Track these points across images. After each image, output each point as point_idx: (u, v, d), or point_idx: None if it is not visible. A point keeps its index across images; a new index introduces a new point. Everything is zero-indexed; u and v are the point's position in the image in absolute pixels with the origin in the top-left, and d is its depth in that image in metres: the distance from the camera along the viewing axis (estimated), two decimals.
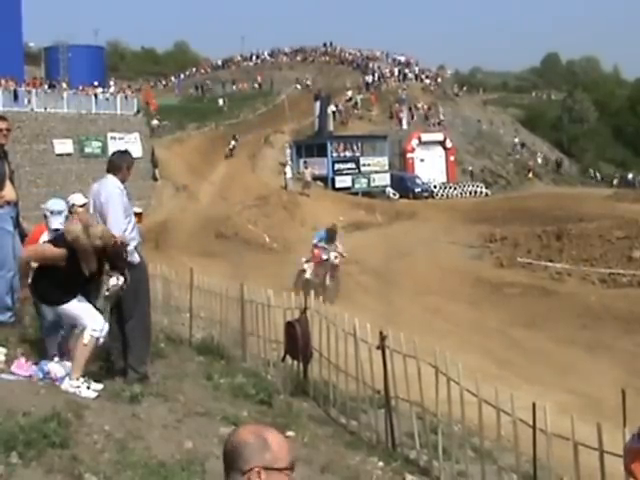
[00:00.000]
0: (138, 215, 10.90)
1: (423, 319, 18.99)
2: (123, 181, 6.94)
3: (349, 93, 62.69)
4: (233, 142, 49.96)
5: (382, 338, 6.78)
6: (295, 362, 8.41)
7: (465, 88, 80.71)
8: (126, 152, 7.51)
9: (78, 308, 6.15)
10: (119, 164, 6.99)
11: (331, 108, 53.78)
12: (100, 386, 6.14)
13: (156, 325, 10.36)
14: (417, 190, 48.27)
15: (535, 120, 78.04)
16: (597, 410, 10.32)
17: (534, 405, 5.44)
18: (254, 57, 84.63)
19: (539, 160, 64.12)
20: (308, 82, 70.19)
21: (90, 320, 6.07)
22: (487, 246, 29.63)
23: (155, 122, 51.09)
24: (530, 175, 59.19)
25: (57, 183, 35.82)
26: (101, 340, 6.11)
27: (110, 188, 6.75)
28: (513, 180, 58.20)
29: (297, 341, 8.07)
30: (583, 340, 17.20)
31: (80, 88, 42.15)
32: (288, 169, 43.51)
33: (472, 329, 18.23)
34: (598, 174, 65.67)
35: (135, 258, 6.72)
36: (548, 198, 41.64)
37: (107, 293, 6.32)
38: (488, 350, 16.05)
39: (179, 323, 11.24)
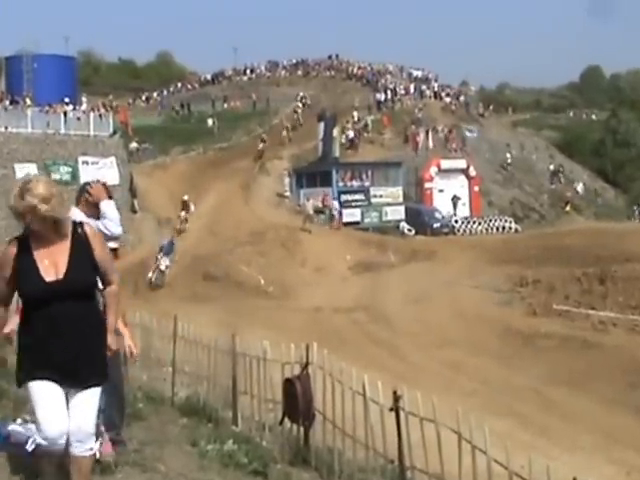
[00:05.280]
0: (113, 251, 10.92)
1: (443, 376, 18.95)
2: (95, 214, 7.04)
3: (355, 113, 63.02)
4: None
5: (396, 398, 6.77)
6: (295, 426, 8.39)
7: (491, 107, 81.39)
8: (96, 181, 7.60)
9: None
10: (78, 195, 7.15)
11: (344, 136, 54.80)
12: None
13: (133, 381, 10.36)
14: (436, 225, 48.37)
15: (574, 144, 78.31)
16: None
17: (575, 479, 5.42)
18: (248, 71, 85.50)
19: (578, 190, 64.23)
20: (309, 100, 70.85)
21: None
22: (517, 291, 29.62)
23: (134, 145, 51.35)
24: (568, 208, 59.31)
25: None
26: None
27: None
28: (548, 214, 58.35)
29: (297, 401, 8.05)
30: (632, 402, 17.11)
31: (47, 105, 42.44)
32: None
33: (500, 388, 18.18)
34: None
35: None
36: (589, 235, 41.65)
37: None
38: (520, 413, 15.99)
39: (160, 379, 11.22)
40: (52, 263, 4.93)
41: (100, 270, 5.11)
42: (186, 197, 41.90)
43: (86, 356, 4.99)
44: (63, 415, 4.93)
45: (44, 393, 4.93)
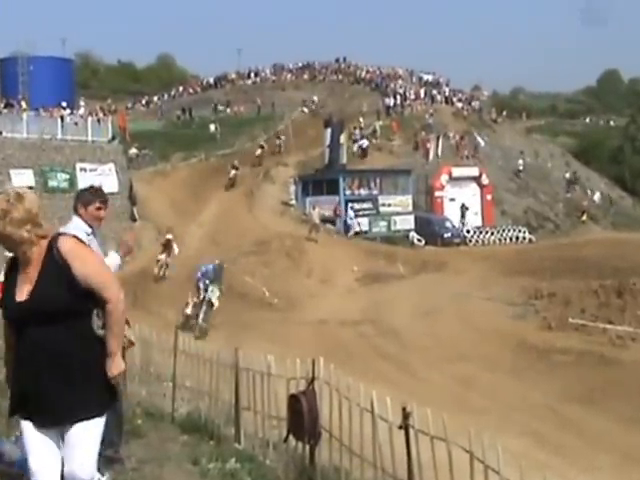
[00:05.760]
0: None
1: (454, 392, 18.92)
2: (93, 223, 7.07)
3: (361, 119, 63.03)
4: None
5: (405, 416, 6.76)
6: (300, 444, 8.38)
7: (505, 113, 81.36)
8: (92, 188, 7.62)
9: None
10: (75, 203, 7.17)
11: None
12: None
13: (132, 397, 10.36)
14: (447, 235, 48.35)
15: (591, 151, 78.34)
16: None
17: None
18: (252, 75, 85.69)
19: (595, 199, 64.19)
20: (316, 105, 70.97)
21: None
22: (532, 304, 29.58)
23: (134, 151, 51.50)
24: (584, 217, 59.25)
25: None
26: None
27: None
28: (563, 223, 58.29)
29: (302, 418, 8.04)
30: None
31: (43, 109, 42.52)
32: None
33: (514, 405, 18.15)
34: None
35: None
36: (606, 245, 41.61)
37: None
38: (534, 431, 15.95)
39: (160, 394, 11.21)
40: (28, 283, 4.60)
41: (86, 287, 4.60)
42: (170, 236, 34.64)
43: (67, 387, 4.55)
44: (54, 464, 4.58)
45: (32, 439, 4.61)
